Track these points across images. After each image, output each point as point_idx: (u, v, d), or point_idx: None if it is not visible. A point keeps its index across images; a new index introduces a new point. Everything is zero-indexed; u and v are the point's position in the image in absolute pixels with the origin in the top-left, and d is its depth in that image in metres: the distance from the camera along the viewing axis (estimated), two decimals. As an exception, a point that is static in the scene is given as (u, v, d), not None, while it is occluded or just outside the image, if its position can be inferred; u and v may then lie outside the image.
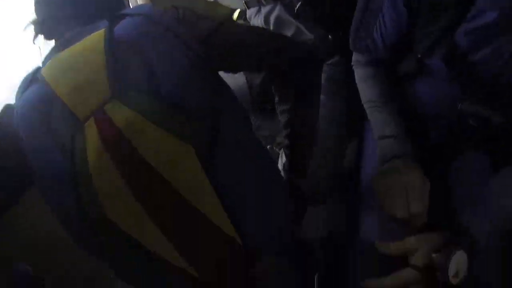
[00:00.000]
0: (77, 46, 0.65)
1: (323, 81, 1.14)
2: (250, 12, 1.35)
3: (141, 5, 0.68)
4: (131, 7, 0.76)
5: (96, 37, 0.63)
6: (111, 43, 0.61)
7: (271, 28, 1.25)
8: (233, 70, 0.85)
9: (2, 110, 0.69)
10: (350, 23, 0.90)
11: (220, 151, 0.61)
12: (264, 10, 1.27)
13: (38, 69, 0.67)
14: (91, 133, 0.58)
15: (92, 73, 0.61)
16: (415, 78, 0.88)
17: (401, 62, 0.89)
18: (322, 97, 1.02)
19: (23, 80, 0.67)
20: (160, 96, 0.59)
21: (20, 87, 0.67)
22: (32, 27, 0.74)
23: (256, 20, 1.33)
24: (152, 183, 0.59)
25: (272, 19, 1.26)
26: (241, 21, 1.72)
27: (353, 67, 0.98)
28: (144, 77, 0.60)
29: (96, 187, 0.58)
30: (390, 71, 0.92)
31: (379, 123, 0.87)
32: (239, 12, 1.62)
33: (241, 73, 1.44)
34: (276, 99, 0.84)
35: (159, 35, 0.65)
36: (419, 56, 0.81)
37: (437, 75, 0.81)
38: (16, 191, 0.75)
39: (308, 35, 1.20)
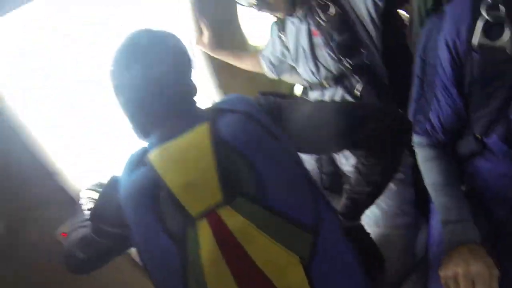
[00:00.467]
0: (184, 140, 0.70)
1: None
2: (313, 95, 1.42)
3: (239, 99, 0.76)
4: (228, 97, 0.80)
5: (201, 134, 0.69)
6: (217, 144, 0.66)
7: None
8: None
9: (108, 182, 0.77)
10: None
11: (319, 258, 0.65)
12: (328, 93, 1.34)
13: (144, 152, 0.73)
14: (205, 230, 0.63)
15: (202, 173, 0.66)
16: (475, 157, 0.87)
17: (461, 142, 0.89)
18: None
19: (131, 159, 0.74)
20: (269, 205, 0.64)
21: (127, 166, 0.73)
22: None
23: None
24: (262, 287, 0.62)
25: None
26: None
27: (415, 148, 0.99)
28: (252, 183, 0.65)
29: (206, 281, 0.62)
30: (451, 151, 0.92)
31: (443, 207, 0.85)
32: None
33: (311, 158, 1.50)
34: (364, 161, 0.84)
35: (259, 136, 0.69)
36: (478, 136, 0.81)
37: (498, 153, 0.80)
38: (111, 256, 0.86)
39: None
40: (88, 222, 0.82)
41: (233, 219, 0.63)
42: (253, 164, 0.66)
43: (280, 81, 1.82)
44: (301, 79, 1.55)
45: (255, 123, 0.70)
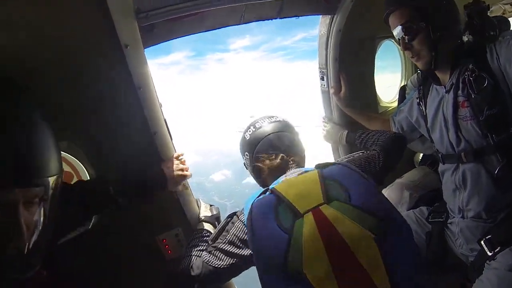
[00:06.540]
0: (300, 178, 1.15)
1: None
2: (444, 167, 1.38)
3: (341, 160, 1.26)
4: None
5: (313, 174, 1.12)
6: (323, 178, 1.09)
7: (467, 187, 1.28)
8: None
9: (230, 215, 1.22)
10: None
11: (391, 237, 0.95)
12: (463, 167, 1.28)
13: (266, 190, 1.14)
14: (309, 219, 0.98)
15: (311, 190, 1.06)
16: None
17: None
18: None
19: (254, 194, 1.16)
20: (353, 205, 1.00)
21: (253, 196, 1.15)
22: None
23: (453, 176, 1.34)
24: (344, 253, 0.93)
25: (468, 177, 1.27)
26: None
27: None
28: (342, 194, 1.03)
29: (302, 249, 0.94)
30: None
31: None
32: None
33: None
34: None
35: (349, 174, 1.11)
36: None
37: None
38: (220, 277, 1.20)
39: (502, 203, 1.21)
40: (206, 246, 1.20)
41: (329, 211, 0.99)
42: (343, 185, 1.06)
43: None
44: (431, 150, 1.52)
45: (347, 168, 1.14)
